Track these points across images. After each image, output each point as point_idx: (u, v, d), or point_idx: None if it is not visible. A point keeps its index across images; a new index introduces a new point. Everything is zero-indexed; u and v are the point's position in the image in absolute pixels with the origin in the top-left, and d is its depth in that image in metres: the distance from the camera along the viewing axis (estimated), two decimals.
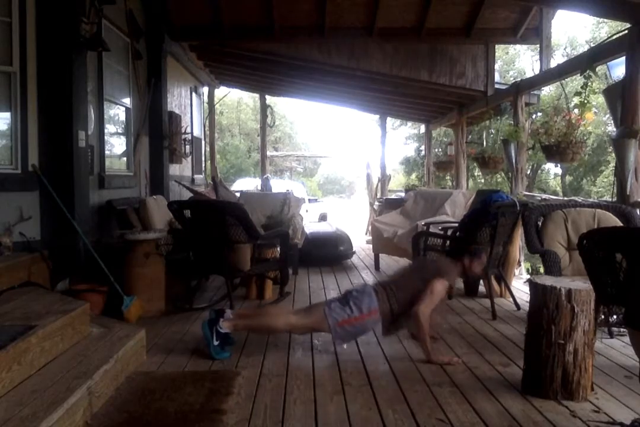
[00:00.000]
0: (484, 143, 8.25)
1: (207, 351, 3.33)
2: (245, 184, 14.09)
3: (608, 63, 4.71)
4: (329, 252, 6.97)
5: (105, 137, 5.47)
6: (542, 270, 4.28)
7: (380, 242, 6.55)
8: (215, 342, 3.32)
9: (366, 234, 10.74)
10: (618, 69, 4.43)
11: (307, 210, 10.65)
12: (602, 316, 3.46)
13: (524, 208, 4.51)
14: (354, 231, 10.47)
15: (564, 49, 22.87)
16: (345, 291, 3.55)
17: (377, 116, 13.83)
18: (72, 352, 2.82)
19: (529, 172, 19.48)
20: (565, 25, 40.59)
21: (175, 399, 2.60)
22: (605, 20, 18.19)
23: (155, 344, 3.60)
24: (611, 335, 3.77)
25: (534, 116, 14.39)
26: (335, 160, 37.38)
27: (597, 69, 4.48)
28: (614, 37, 4.39)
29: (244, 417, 2.52)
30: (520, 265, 6.08)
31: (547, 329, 2.73)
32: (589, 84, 4.49)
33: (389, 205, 8.47)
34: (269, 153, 15.51)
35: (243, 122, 30.51)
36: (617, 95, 4.23)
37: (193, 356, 3.38)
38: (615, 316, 3.13)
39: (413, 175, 23.26)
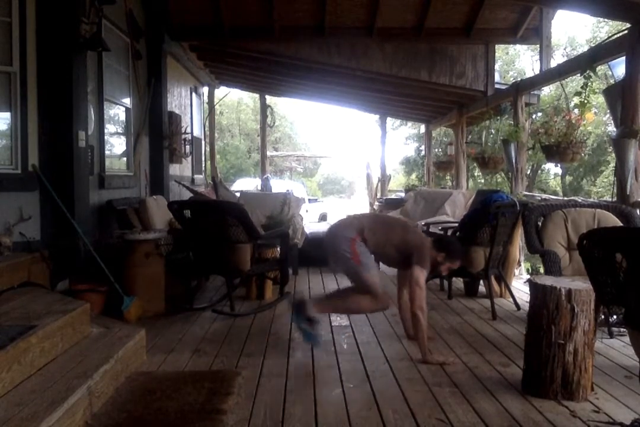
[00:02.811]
0: (484, 143, 8.23)
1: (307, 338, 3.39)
2: (245, 184, 14.08)
3: (610, 62, 4.71)
4: None
5: (105, 137, 5.47)
6: (542, 270, 4.28)
7: None
8: (312, 330, 3.35)
9: None
10: (620, 67, 4.41)
11: (307, 211, 10.65)
12: (602, 316, 3.47)
13: (524, 208, 4.51)
14: None
15: (564, 49, 22.86)
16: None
17: (377, 116, 13.83)
18: (72, 352, 2.82)
19: (529, 172, 19.46)
20: (565, 25, 40.66)
21: (175, 399, 2.60)
22: (605, 20, 18.19)
23: (155, 344, 3.60)
24: (611, 335, 3.77)
25: (534, 116, 14.38)
26: (335, 161, 37.41)
27: (597, 69, 4.48)
28: (614, 37, 4.39)
29: (244, 417, 2.52)
30: (520, 265, 6.08)
31: (547, 329, 2.73)
32: (589, 84, 4.49)
33: (389, 205, 8.48)
34: (269, 153, 15.51)
35: (243, 122, 30.50)
36: (617, 95, 4.23)
37: (193, 356, 3.38)
38: (615, 316, 3.13)
39: (413, 175, 23.25)
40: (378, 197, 11.10)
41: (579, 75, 4.61)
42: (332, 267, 3.73)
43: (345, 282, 5.93)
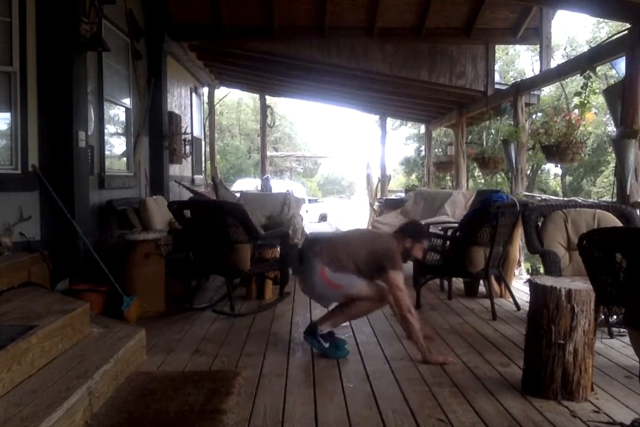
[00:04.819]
0: (484, 143, 8.24)
1: (327, 356, 3.36)
2: (245, 185, 14.09)
3: (613, 61, 4.70)
4: None
5: (105, 137, 5.47)
6: (542, 270, 4.28)
7: None
8: (327, 345, 3.37)
9: None
10: (623, 65, 4.40)
11: (307, 211, 10.65)
12: (602, 316, 3.46)
13: (524, 208, 4.51)
14: None
15: (564, 49, 22.86)
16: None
17: (377, 116, 13.83)
18: (72, 352, 2.82)
19: (529, 172, 19.45)
20: (565, 25, 40.69)
21: (175, 399, 2.60)
22: (605, 20, 18.19)
23: (155, 344, 3.60)
24: (611, 335, 3.77)
25: (534, 116, 14.38)
26: (335, 161, 37.43)
27: (597, 69, 4.48)
28: (614, 37, 4.39)
29: (244, 417, 2.52)
30: (520, 265, 6.07)
31: (547, 329, 2.73)
32: (589, 84, 4.49)
33: (389, 205, 8.47)
34: (269, 153, 15.51)
35: (243, 122, 30.52)
36: (617, 95, 4.23)
37: (193, 356, 3.38)
38: (615, 316, 3.13)
39: (413, 176, 23.27)
40: (378, 197, 11.09)
41: (579, 75, 4.61)
42: (322, 304, 3.66)
43: None
